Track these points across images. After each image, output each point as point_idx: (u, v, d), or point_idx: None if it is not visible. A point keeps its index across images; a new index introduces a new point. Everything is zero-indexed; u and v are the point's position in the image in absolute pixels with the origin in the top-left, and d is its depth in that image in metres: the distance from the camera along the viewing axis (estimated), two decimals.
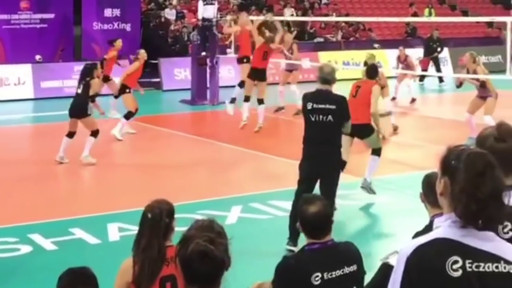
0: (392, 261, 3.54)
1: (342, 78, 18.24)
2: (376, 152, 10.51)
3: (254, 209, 10.13)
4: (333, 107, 8.06)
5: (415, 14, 31.53)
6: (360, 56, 26.72)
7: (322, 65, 8.59)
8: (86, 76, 12.79)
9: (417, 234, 4.07)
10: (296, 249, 7.59)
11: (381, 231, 9.33)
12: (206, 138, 14.74)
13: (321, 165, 8.15)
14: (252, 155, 13.65)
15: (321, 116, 8.07)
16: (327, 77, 8.22)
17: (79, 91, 12.79)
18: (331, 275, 4.25)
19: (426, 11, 32.68)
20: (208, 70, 20.12)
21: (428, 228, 3.80)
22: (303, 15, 29.39)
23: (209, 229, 3.01)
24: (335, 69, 8.49)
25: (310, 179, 8.22)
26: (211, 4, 20.53)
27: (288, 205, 9.82)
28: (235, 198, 10.64)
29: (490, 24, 32.53)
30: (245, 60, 16.63)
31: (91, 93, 12.71)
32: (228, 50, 20.64)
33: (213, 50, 20.16)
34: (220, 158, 13.55)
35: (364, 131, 10.32)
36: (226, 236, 3.04)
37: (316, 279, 4.22)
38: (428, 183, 4.45)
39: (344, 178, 11.64)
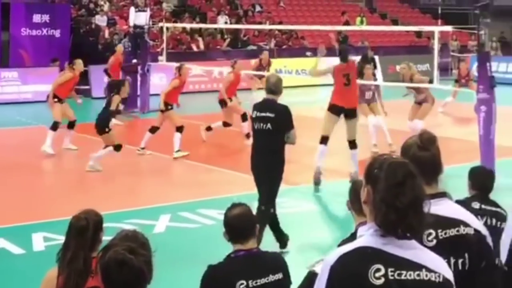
0: (318, 269, 3.51)
1: None
2: (353, 145, 12.10)
3: (182, 218, 10.07)
4: (272, 115, 8.30)
5: (347, 23, 31.88)
6: (292, 64, 26.98)
7: (269, 76, 8.93)
8: (111, 91, 13.00)
9: (343, 242, 4.09)
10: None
11: (308, 239, 9.33)
12: (136, 146, 14.55)
13: (259, 172, 8.43)
14: (182, 163, 13.55)
15: (261, 124, 8.34)
16: (271, 87, 8.54)
17: (104, 106, 12.91)
18: (256, 283, 4.27)
19: (358, 19, 33.11)
20: (139, 78, 19.93)
21: (354, 236, 3.81)
22: (237, 22, 29.42)
23: (133, 239, 2.96)
24: (281, 79, 8.77)
25: (257, 186, 8.59)
26: (143, 11, 20.38)
27: (216, 213, 9.86)
28: (164, 206, 10.55)
29: (419, 34, 33.11)
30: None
31: (112, 107, 12.73)
32: (159, 58, 20.44)
33: (145, 58, 20.00)
34: (150, 167, 13.41)
35: (353, 113, 11.99)
36: (149, 248, 2.99)
37: (241, 287, 4.24)
38: (355, 191, 4.49)
39: None
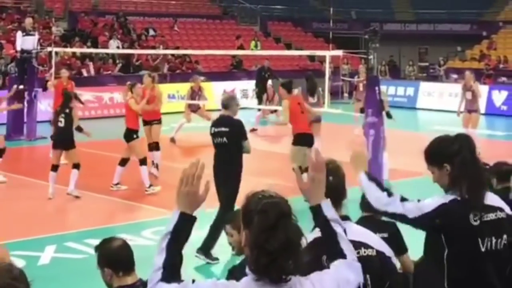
0: None
1: (167, 111, 18.07)
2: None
3: (69, 248, 9.86)
4: (227, 129, 9.37)
5: (241, 47, 32.03)
6: (185, 88, 26.72)
7: (224, 94, 10.26)
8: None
9: (234, 268, 4.27)
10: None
11: (201, 267, 9.14)
12: (21, 175, 14.05)
13: (219, 180, 9.21)
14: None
15: (219, 138, 9.41)
16: (223, 102, 9.72)
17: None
18: None
19: (252, 43, 33.33)
20: (25, 104, 19.27)
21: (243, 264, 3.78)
22: (130, 47, 29.03)
23: (7, 273, 2.83)
24: (233, 97, 10.52)
25: (217, 193, 9.34)
26: (31, 35, 19.75)
27: None
28: (49, 237, 10.28)
29: (312, 57, 33.55)
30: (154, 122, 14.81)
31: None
32: (48, 84, 19.84)
33: (32, 84, 19.39)
34: (35, 196, 12.91)
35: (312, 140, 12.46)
36: (25, 281, 2.86)
37: None
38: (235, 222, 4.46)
39: (162, 213, 11.47)
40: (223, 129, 9.38)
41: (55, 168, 12.67)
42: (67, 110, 12.70)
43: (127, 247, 4.43)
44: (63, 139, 12.60)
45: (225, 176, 9.30)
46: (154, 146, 14.54)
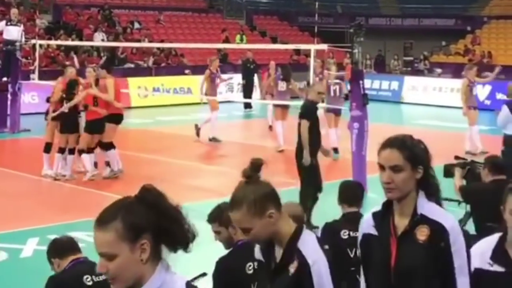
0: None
1: (152, 105, 18.05)
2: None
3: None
4: (300, 112, 10.30)
5: (227, 40, 31.98)
6: (170, 82, 26.70)
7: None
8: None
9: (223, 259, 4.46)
10: None
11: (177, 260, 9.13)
12: (4, 168, 13.97)
13: (297, 160, 10.16)
14: (53, 184, 13.11)
15: (299, 119, 10.21)
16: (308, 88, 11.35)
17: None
18: (98, 278, 5.09)
19: (238, 37, 33.28)
20: (9, 97, 19.17)
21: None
22: (115, 40, 28.90)
23: None
24: (314, 83, 11.63)
25: None
26: (15, 25, 19.64)
27: (86, 235, 9.54)
28: (32, 230, 10.22)
29: (297, 51, 33.52)
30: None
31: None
32: (32, 76, 19.74)
33: (16, 76, 19.26)
34: (19, 188, 12.88)
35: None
36: None
37: (87, 280, 5.18)
38: None
39: None
40: (300, 111, 10.37)
41: (62, 150, 13.28)
42: (70, 96, 13.33)
43: (65, 236, 5.24)
44: (68, 123, 13.30)
45: (300, 154, 10.14)
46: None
